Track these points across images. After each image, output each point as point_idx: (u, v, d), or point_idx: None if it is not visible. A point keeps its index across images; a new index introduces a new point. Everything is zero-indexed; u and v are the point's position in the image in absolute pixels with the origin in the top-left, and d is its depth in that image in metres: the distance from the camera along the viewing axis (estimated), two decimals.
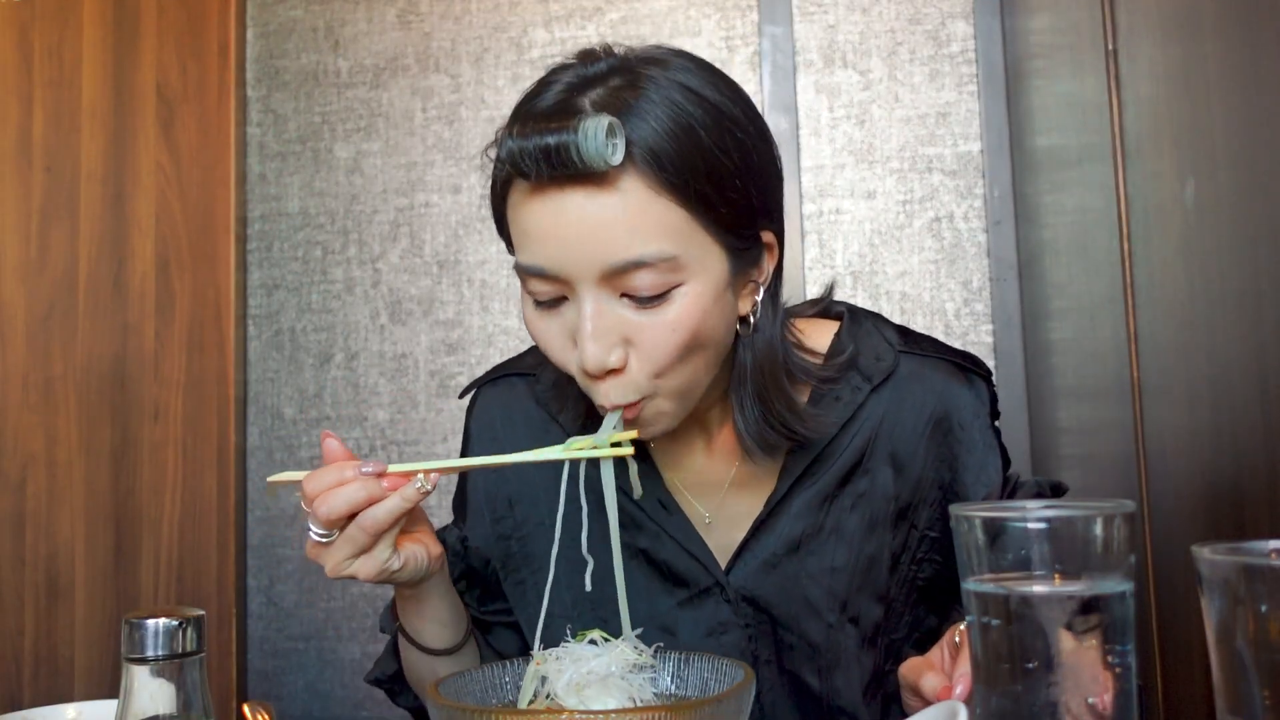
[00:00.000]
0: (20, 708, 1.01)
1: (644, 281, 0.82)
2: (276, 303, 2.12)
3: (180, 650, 0.65)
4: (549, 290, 0.85)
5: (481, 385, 1.12)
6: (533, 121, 0.81)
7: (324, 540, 0.86)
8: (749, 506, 1.00)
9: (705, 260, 0.85)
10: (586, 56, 0.88)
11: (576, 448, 0.87)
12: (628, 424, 0.88)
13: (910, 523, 0.99)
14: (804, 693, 0.98)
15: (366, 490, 0.84)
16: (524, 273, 0.86)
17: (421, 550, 0.91)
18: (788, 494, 0.98)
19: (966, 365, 1.02)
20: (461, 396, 1.15)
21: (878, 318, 1.04)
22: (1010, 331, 1.88)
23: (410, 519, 0.91)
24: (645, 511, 1.01)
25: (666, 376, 0.86)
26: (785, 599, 0.98)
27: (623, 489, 0.97)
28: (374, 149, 2.12)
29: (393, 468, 0.86)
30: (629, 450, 0.87)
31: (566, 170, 0.79)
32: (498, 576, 1.08)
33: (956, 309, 1.92)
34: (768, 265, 0.93)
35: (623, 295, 0.83)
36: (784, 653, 0.99)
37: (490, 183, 0.89)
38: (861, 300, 1.94)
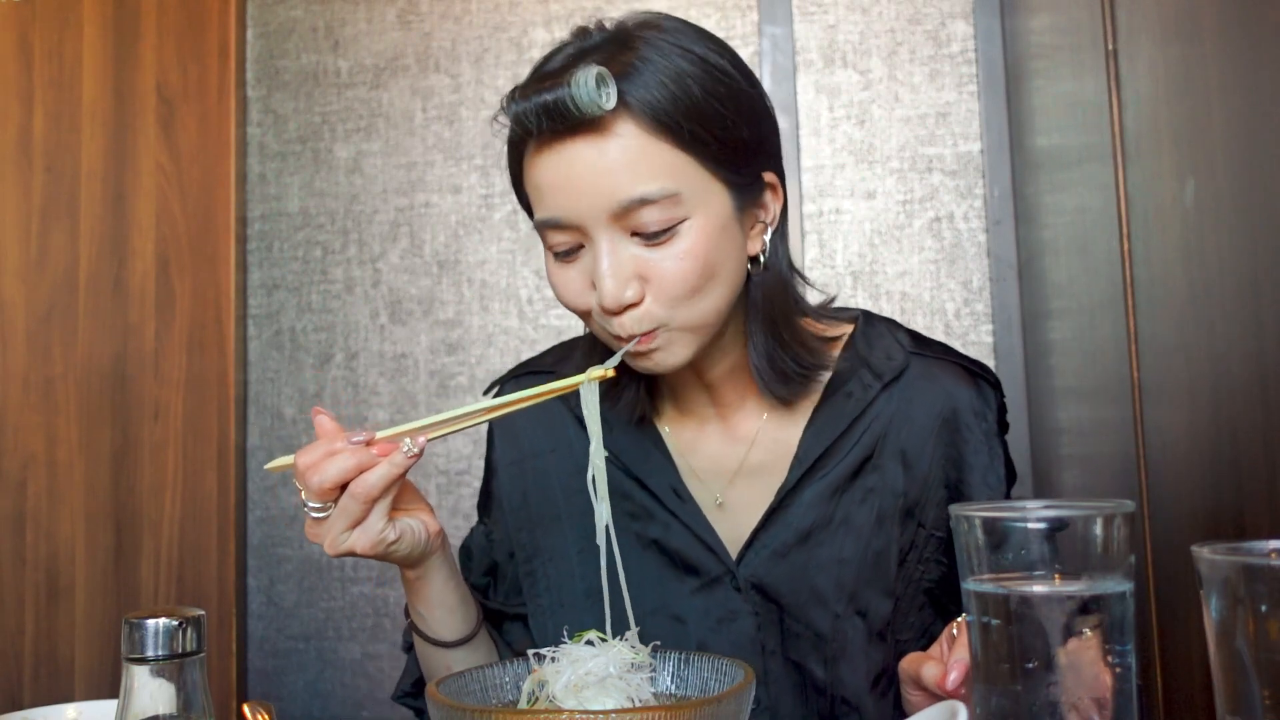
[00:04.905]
0: (20, 708, 1.01)
1: (650, 218, 0.87)
2: (276, 303, 2.12)
3: (180, 650, 0.65)
4: (567, 240, 0.91)
5: (504, 382, 1.15)
6: (532, 83, 0.89)
7: (320, 515, 0.88)
8: (760, 496, 1.01)
9: (707, 195, 0.90)
10: (582, 33, 0.94)
11: (555, 387, 0.90)
12: (642, 355, 0.92)
13: (918, 521, 1.00)
14: (809, 683, 0.99)
15: (356, 458, 0.86)
16: (542, 227, 0.92)
17: (418, 524, 0.93)
18: (798, 484, 1.00)
19: (976, 371, 1.04)
20: (485, 394, 1.16)
21: (892, 322, 1.07)
22: (1010, 331, 1.88)
23: (408, 498, 0.94)
24: (659, 499, 1.02)
25: (681, 308, 0.90)
26: (793, 588, 0.99)
27: (638, 477, 1.03)
28: (374, 149, 2.12)
29: (380, 434, 0.88)
30: (609, 372, 0.90)
31: (565, 122, 0.86)
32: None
33: (956, 309, 1.92)
34: (773, 205, 0.98)
35: (633, 234, 0.89)
36: (789, 642, 1.00)
37: (507, 151, 0.96)
38: (861, 300, 1.94)
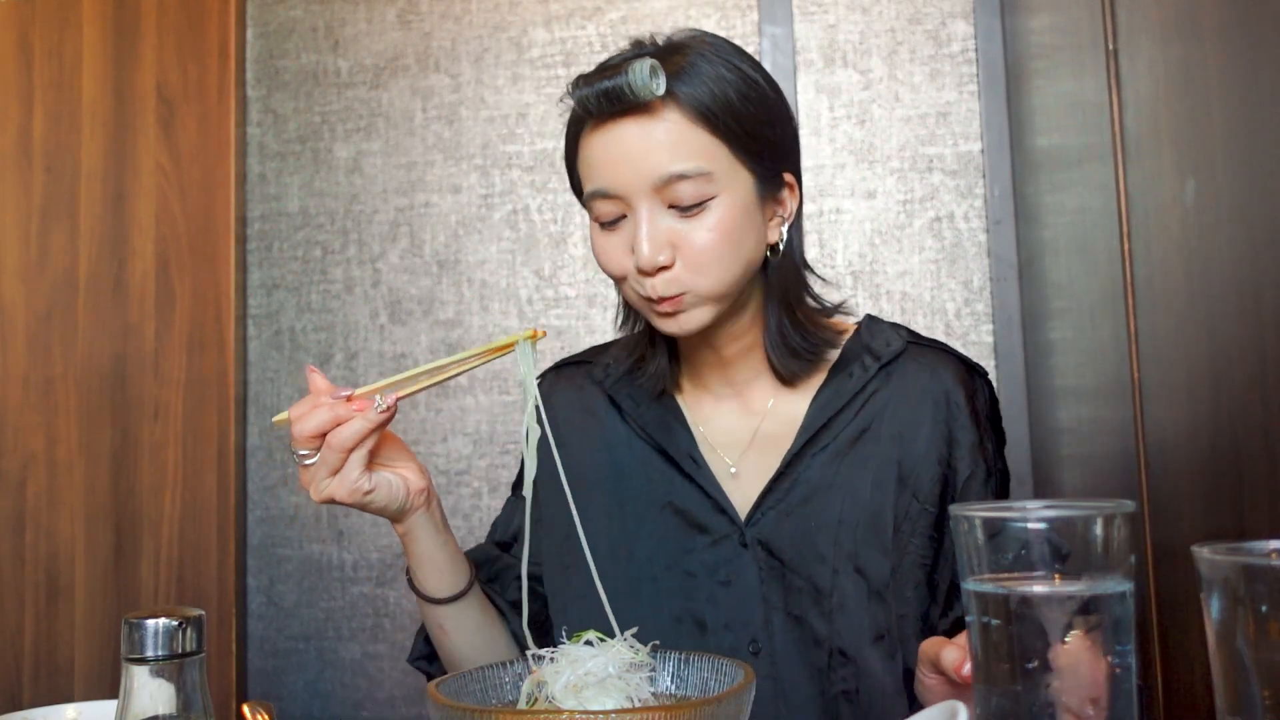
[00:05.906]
0: (20, 708, 1.01)
1: (685, 192, 1.01)
2: (276, 302, 2.12)
3: (180, 650, 0.65)
4: (612, 210, 1.04)
5: (546, 374, 1.29)
6: (594, 73, 1.02)
7: (309, 463, 0.99)
8: (769, 464, 1.12)
9: (735, 179, 1.04)
10: (638, 44, 1.09)
11: (497, 345, 1.00)
12: (669, 315, 1.04)
13: (911, 491, 1.09)
14: (809, 636, 1.07)
15: (333, 412, 0.97)
16: (591, 198, 1.05)
17: (397, 479, 1.02)
18: (802, 451, 1.11)
19: (969, 363, 1.15)
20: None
21: (895, 324, 1.19)
22: (1010, 331, 1.88)
23: (392, 454, 1.04)
24: (677, 465, 1.14)
25: (704, 276, 1.02)
26: (795, 546, 1.09)
27: (659, 445, 1.15)
28: (374, 149, 2.12)
29: (358, 391, 0.98)
30: (541, 333, 1.02)
31: (620, 104, 1.00)
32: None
33: (957, 309, 1.92)
34: (790, 202, 1.13)
35: (670, 207, 1.02)
36: (791, 596, 1.08)
37: (566, 131, 1.09)
38: (861, 300, 1.94)
